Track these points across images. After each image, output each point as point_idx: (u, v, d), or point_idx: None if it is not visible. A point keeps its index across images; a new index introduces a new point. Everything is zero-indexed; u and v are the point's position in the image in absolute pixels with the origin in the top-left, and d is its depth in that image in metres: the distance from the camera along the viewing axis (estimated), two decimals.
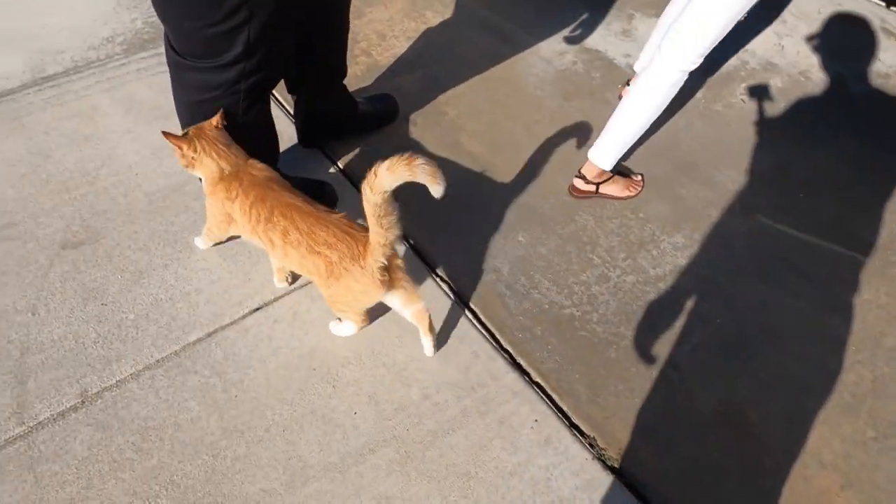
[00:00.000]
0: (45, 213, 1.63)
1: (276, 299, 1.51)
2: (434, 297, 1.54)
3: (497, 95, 2.09)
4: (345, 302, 1.32)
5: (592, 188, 1.79)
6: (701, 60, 1.54)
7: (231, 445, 1.27)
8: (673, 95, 1.61)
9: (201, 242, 1.57)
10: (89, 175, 1.73)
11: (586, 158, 1.76)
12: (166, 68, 2.04)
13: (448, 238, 1.68)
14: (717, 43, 1.51)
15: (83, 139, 1.82)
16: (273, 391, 1.36)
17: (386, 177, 1.03)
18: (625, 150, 1.73)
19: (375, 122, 1.93)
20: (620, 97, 2.08)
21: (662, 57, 1.56)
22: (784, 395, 1.44)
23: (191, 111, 1.37)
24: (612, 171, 1.77)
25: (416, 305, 1.33)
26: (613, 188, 1.80)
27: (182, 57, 1.28)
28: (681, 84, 1.59)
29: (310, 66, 1.57)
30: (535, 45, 2.29)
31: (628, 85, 2.07)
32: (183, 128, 1.41)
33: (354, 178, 1.80)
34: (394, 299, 1.31)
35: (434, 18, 2.35)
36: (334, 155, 1.86)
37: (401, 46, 2.22)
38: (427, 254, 1.64)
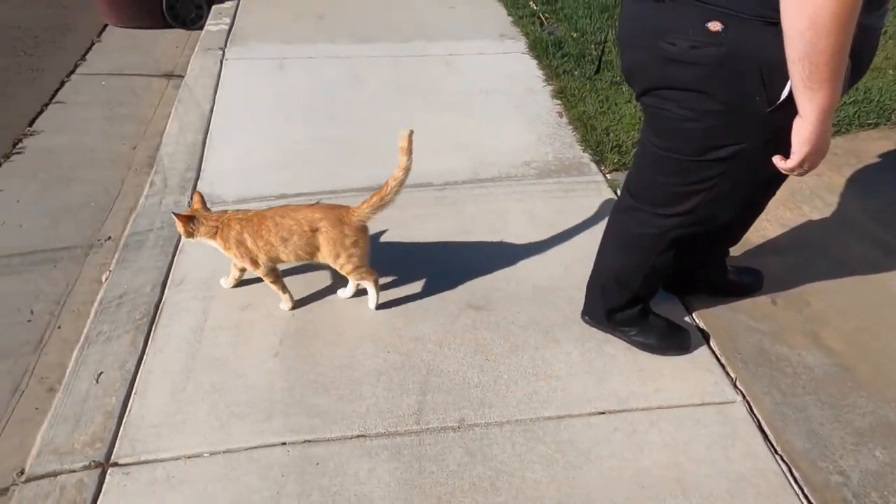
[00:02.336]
0: (462, 277, 2.14)
1: (620, 411, 1.71)
2: (768, 469, 1.56)
3: (870, 303, 2.06)
4: (348, 257, 1.83)
5: None
6: None
7: None
8: None
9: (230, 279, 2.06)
10: (495, 259, 2.23)
11: None
12: (564, 195, 2.55)
13: (792, 418, 1.70)
14: None
15: (493, 231, 2.36)
16: (603, 488, 1.53)
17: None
18: None
19: (737, 290, 2.08)
20: None
21: None
22: None
23: (621, 247, 1.70)
24: None
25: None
26: None
27: (634, 200, 1.62)
28: None
29: (717, 232, 1.76)
30: None
31: None
32: (611, 265, 1.77)
33: (705, 330, 1.95)
34: None
35: (811, 213, 2.45)
36: (689, 305, 2.05)
37: (773, 231, 2.37)
38: (766, 421, 1.69)
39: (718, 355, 1.88)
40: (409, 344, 1.89)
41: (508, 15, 4.16)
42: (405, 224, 2.37)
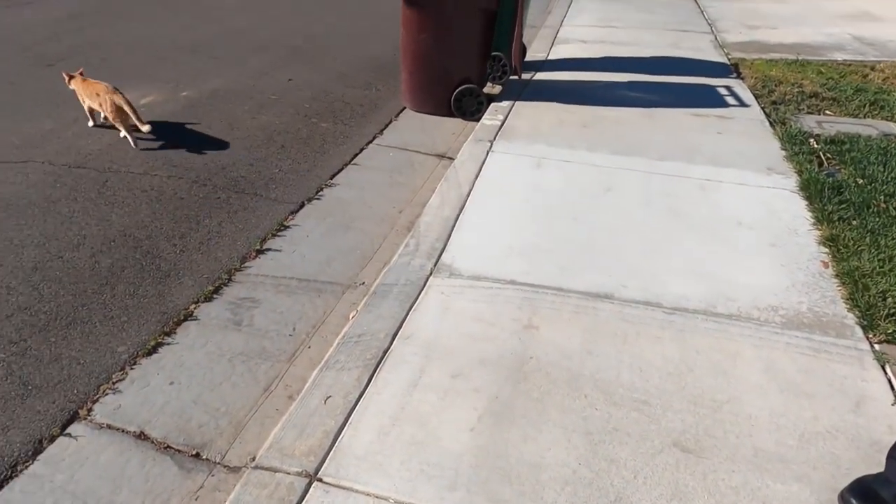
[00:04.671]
0: (673, 410, 2.02)
1: None
2: None
3: None
4: (106, 110, 3.87)
5: None
6: None
7: None
8: None
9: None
10: (715, 403, 2.05)
11: None
12: (814, 354, 2.27)
13: None
14: None
15: (721, 372, 2.18)
16: None
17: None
18: None
19: None
20: None
21: None
22: None
23: None
24: None
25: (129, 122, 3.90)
26: None
27: None
28: None
29: None
30: None
31: None
32: None
33: None
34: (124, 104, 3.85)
35: None
36: None
37: None
38: None
39: None
40: (603, 463, 1.83)
41: (782, 149, 3.93)
42: (623, 339, 2.33)
